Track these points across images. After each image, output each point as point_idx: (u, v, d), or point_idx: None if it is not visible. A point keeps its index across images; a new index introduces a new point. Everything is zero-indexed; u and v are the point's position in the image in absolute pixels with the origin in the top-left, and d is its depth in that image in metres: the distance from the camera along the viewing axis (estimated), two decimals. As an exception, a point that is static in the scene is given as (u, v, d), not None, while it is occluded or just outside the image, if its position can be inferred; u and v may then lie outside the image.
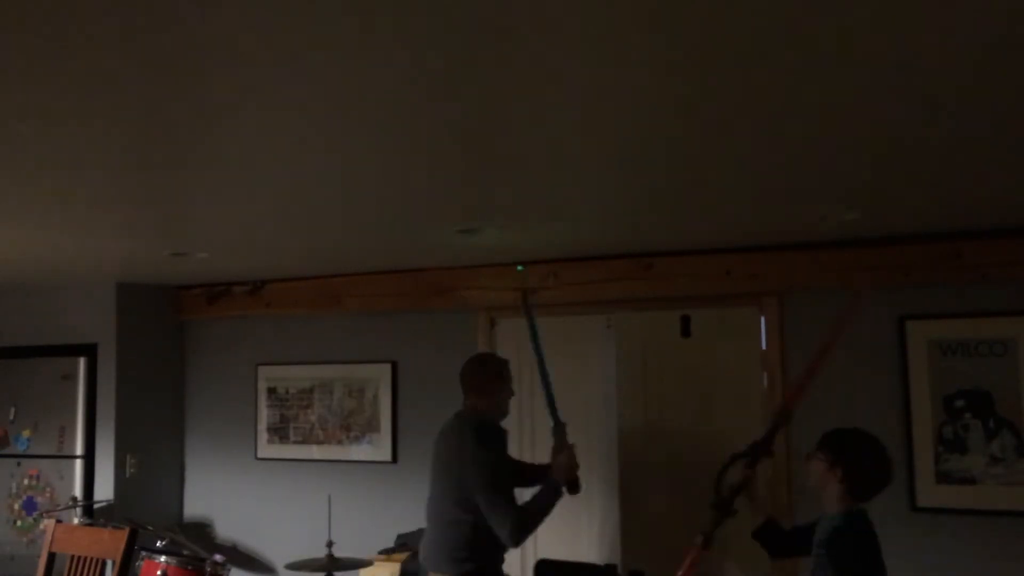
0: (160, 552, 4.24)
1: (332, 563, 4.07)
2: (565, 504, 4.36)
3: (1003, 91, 1.88)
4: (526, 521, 3.22)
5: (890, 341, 3.86)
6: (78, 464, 5.01)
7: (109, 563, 3.53)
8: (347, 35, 1.52)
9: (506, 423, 4.56)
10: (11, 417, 5.18)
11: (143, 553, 4.22)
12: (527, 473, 3.66)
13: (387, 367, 4.84)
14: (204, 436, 5.37)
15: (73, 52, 1.56)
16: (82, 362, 5.05)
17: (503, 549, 3.35)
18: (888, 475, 2.90)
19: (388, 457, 4.80)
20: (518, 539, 3.22)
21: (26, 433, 5.14)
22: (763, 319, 4.09)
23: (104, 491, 4.95)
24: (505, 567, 3.67)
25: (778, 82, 1.79)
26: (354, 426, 4.93)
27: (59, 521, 3.76)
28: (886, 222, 3.45)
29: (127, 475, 5.00)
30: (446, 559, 3.30)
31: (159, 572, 4.13)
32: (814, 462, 2.99)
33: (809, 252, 3.92)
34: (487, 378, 3.46)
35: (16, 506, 5.11)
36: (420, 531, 4.10)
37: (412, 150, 2.30)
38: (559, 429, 3.43)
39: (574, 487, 3.34)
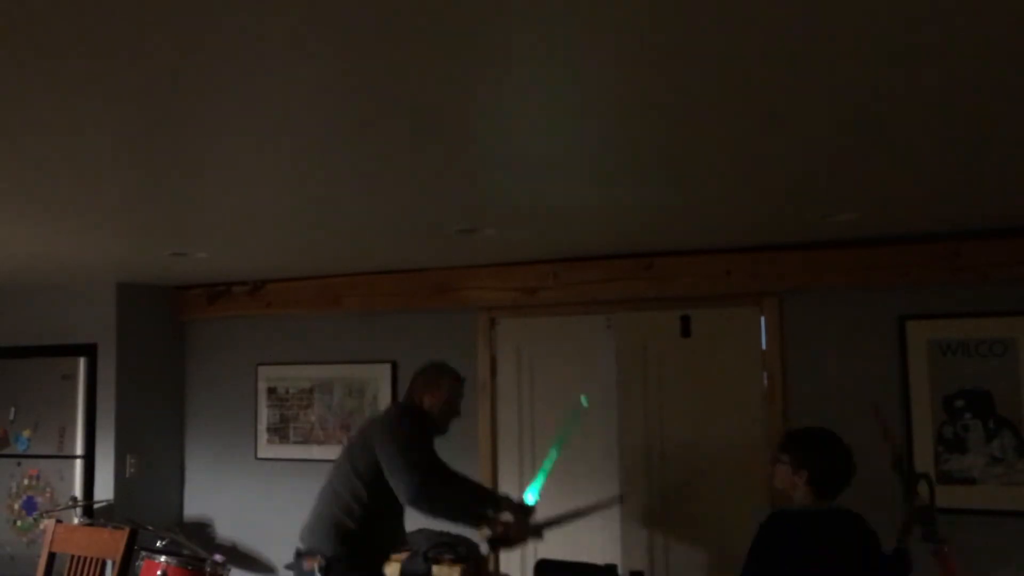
0: (160, 552, 4.24)
1: (332, 563, 4.07)
2: (565, 503, 4.36)
3: (1004, 90, 1.88)
4: (438, 487, 3.04)
5: (890, 341, 3.86)
6: (78, 464, 5.01)
7: (109, 563, 3.53)
8: (345, 35, 1.52)
9: (505, 429, 4.56)
10: (11, 417, 5.18)
11: (143, 553, 4.22)
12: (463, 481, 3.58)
13: (387, 367, 4.84)
14: (204, 436, 5.37)
15: (72, 55, 1.57)
16: (82, 362, 5.05)
17: (387, 538, 3.23)
18: (851, 470, 2.94)
19: (388, 457, 4.80)
20: (417, 498, 3.03)
21: (26, 433, 5.14)
22: (763, 319, 4.09)
23: (104, 491, 4.95)
24: (505, 567, 3.67)
25: (778, 82, 1.80)
26: (354, 426, 4.92)
27: (59, 521, 3.76)
28: (886, 222, 3.45)
29: (127, 475, 5.00)
30: (323, 537, 3.19)
31: (159, 572, 4.13)
32: (778, 466, 3.01)
33: (809, 252, 3.93)
34: (440, 383, 3.35)
35: (16, 506, 5.11)
36: (420, 531, 4.10)
37: (412, 150, 2.30)
38: (527, 510, 3.34)
39: (497, 543, 3.24)
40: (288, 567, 3.86)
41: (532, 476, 4.45)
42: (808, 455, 2.96)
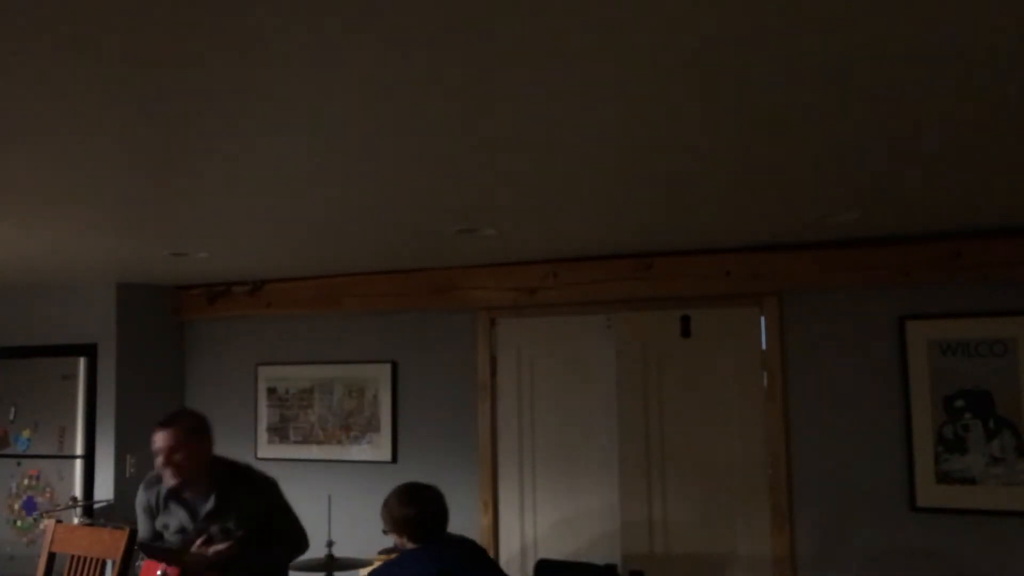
0: (160, 552, 4.24)
1: (332, 563, 4.07)
2: (565, 504, 4.37)
3: (1003, 91, 1.88)
4: None
5: (890, 341, 3.86)
6: (78, 464, 5.01)
7: (109, 563, 3.54)
8: (345, 36, 1.52)
9: (505, 429, 4.56)
10: (11, 417, 5.18)
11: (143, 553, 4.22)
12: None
13: (387, 367, 4.84)
14: (204, 436, 5.36)
15: (73, 55, 1.57)
16: (82, 362, 5.05)
17: None
18: (421, 509, 3.08)
19: (388, 457, 4.81)
20: None
21: (26, 433, 5.13)
22: (763, 319, 4.09)
23: (104, 491, 4.95)
24: (505, 567, 3.65)
25: (778, 82, 1.80)
26: (354, 426, 4.93)
27: (59, 521, 3.76)
28: (886, 222, 3.45)
29: (127, 475, 5.00)
30: None
31: (159, 572, 4.12)
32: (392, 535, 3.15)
33: (809, 252, 3.93)
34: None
35: (16, 506, 5.11)
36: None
37: (411, 150, 2.30)
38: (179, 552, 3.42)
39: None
40: None
41: (532, 476, 4.45)
42: (397, 524, 3.09)
